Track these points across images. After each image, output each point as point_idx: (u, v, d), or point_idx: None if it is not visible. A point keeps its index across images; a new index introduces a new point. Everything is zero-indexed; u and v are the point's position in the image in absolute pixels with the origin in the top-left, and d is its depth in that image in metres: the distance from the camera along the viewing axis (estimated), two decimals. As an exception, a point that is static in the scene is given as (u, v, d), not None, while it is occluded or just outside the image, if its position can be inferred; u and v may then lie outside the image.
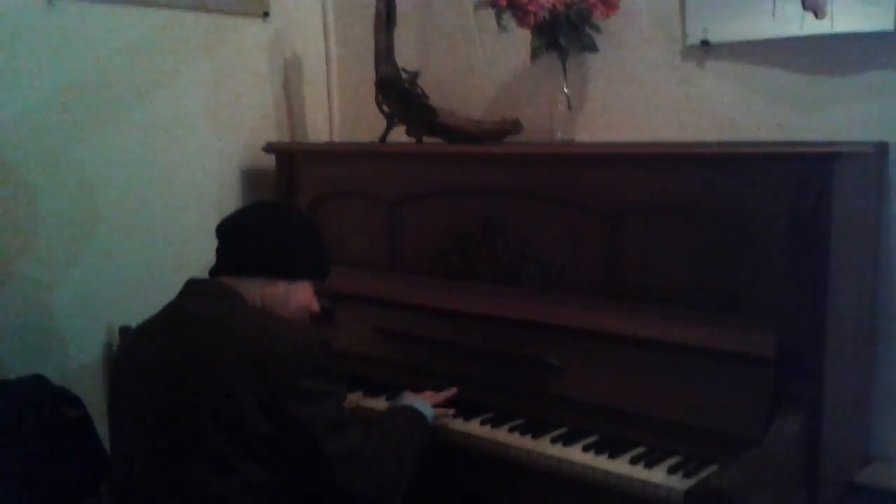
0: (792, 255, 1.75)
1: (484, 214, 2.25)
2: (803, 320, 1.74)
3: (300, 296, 1.77)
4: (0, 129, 2.21)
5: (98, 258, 2.44)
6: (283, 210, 1.84)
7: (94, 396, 2.38)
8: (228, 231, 1.76)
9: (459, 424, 2.00)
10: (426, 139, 2.52)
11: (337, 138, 3.10)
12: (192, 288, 1.71)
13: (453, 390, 2.03)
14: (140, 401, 1.58)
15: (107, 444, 2.28)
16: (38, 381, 2.12)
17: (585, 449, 1.82)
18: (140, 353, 1.65)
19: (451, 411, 1.99)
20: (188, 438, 1.49)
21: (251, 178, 2.85)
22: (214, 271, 1.74)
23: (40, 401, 2.01)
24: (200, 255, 2.71)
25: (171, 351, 1.56)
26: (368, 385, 2.21)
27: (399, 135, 2.57)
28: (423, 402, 1.92)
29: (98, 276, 2.45)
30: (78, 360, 2.41)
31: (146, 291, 2.55)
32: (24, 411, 1.94)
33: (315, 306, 1.83)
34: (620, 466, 1.74)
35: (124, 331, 2.43)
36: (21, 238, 2.27)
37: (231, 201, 2.80)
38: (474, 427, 1.98)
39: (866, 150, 1.91)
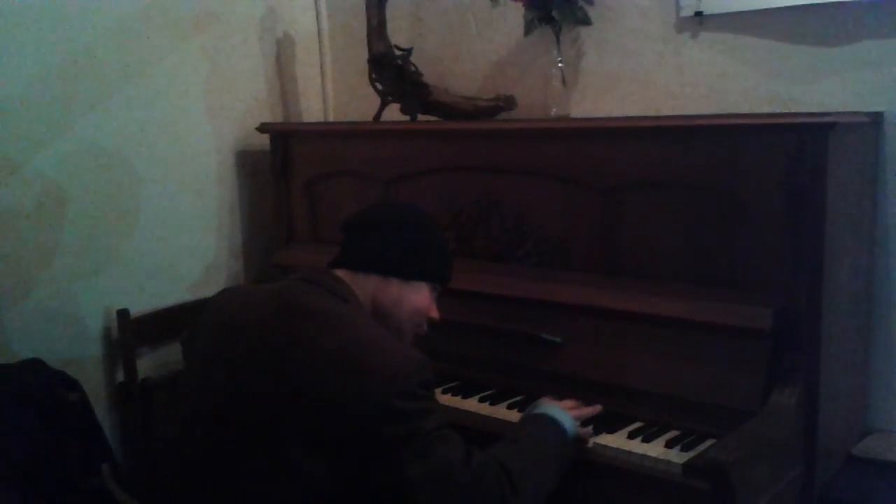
0: (787, 227, 1.74)
1: (479, 192, 2.25)
2: (799, 293, 1.73)
3: (415, 298, 1.67)
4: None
5: (93, 241, 2.44)
6: (408, 209, 1.74)
7: (92, 380, 2.40)
8: (350, 227, 1.70)
9: (458, 402, 2.01)
10: (420, 117, 2.50)
11: (331, 117, 3.09)
12: (308, 275, 1.62)
13: (598, 407, 1.86)
14: (224, 377, 1.49)
15: (105, 427, 2.30)
16: (36, 364, 2.12)
17: (584, 424, 1.83)
18: (239, 327, 1.53)
19: (590, 430, 1.79)
20: (267, 429, 1.41)
21: (245, 158, 2.84)
22: (333, 263, 1.66)
23: (38, 384, 2.01)
24: (196, 236, 2.73)
25: (272, 338, 1.47)
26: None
27: (393, 113, 2.55)
28: (562, 411, 1.73)
29: (94, 260, 2.44)
30: (76, 344, 2.41)
31: (143, 274, 2.57)
32: (22, 395, 1.95)
33: (434, 312, 1.73)
34: (618, 441, 1.75)
35: (122, 314, 2.44)
36: (14, 224, 2.26)
37: (226, 182, 2.80)
38: (473, 404, 1.99)
39: (861, 121, 1.90)
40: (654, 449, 1.70)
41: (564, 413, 1.73)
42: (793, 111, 2.06)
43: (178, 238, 2.66)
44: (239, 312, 1.58)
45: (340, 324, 1.48)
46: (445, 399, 2.02)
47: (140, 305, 2.52)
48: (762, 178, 1.77)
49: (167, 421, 2.24)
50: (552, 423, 1.69)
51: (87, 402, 2.13)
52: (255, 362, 1.46)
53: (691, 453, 1.66)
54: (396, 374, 1.39)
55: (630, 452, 1.71)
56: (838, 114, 1.74)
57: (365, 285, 1.63)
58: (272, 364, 1.44)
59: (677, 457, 1.66)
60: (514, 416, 1.91)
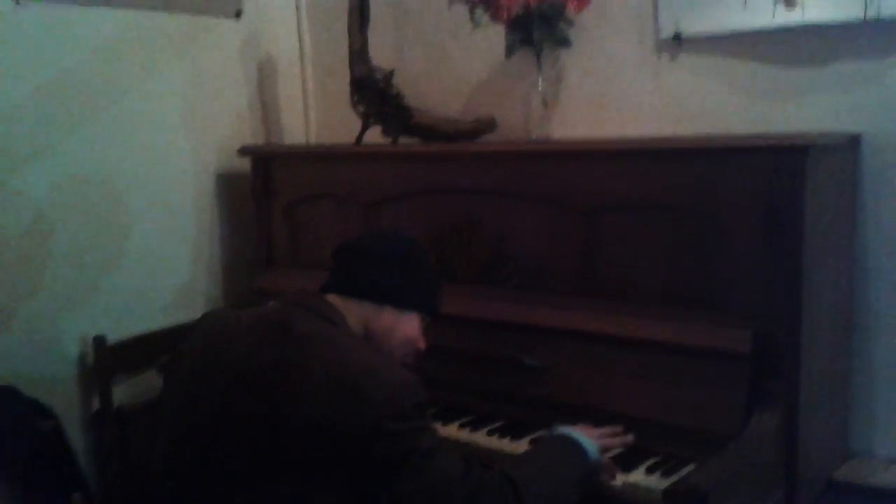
0: (766, 249, 1.74)
1: (460, 214, 2.24)
2: (779, 315, 1.73)
3: (406, 328, 1.67)
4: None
5: (69, 266, 2.41)
6: (403, 240, 1.73)
7: (67, 407, 2.36)
8: (344, 253, 1.69)
9: (437, 428, 1.98)
10: (402, 139, 2.50)
11: (313, 140, 3.08)
12: (297, 298, 1.61)
13: (629, 438, 1.79)
14: (210, 399, 1.47)
15: (79, 454, 2.26)
16: (10, 392, 2.09)
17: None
18: (225, 349, 1.52)
19: (611, 463, 1.71)
20: (256, 452, 1.39)
21: (226, 181, 2.83)
22: (324, 288, 1.65)
23: (12, 412, 1.98)
24: (175, 260, 2.70)
25: (260, 361, 1.45)
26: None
27: (375, 135, 2.55)
28: (582, 434, 1.68)
29: (70, 285, 2.41)
30: (52, 372, 2.37)
31: (122, 299, 2.54)
32: (-5, 424, 1.92)
33: (422, 343, 1.73)
34: (599, 467, 1.72)
35: (98, 340, 2.40)
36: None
37: (206, 205, 2.78)
38: (453, 431, 1.97)
39: (839, 142, 1.90)
40: (635, 476, 1.68)
41: (585, 437, 1.68)
42: (772, 132, 2.06)
43: (157, 262, 2.63)
44: (225, 337, 1.56)
45: (330, 346, 1.46)
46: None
47: (117, 331, 2.48)
48: (741, 199, 1.76)
49: (145, 448, 2.21)
50: (571, 442, 1.65)
51: (62, 429, 2.09)
52: (244, 387, 1.44)
53: (672, 478, 1.64)
54: (388, 397, 1.38)
55: (611, 479, 1.69)
56: (816, 135, 1.75)
57: (357, 312, 1.61)
58: (261, 388, 1.42)
59: (658, 482, 1.64)
60: (494, 442, 1.89)
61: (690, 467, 1.67)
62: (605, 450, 1.70)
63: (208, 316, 1.70)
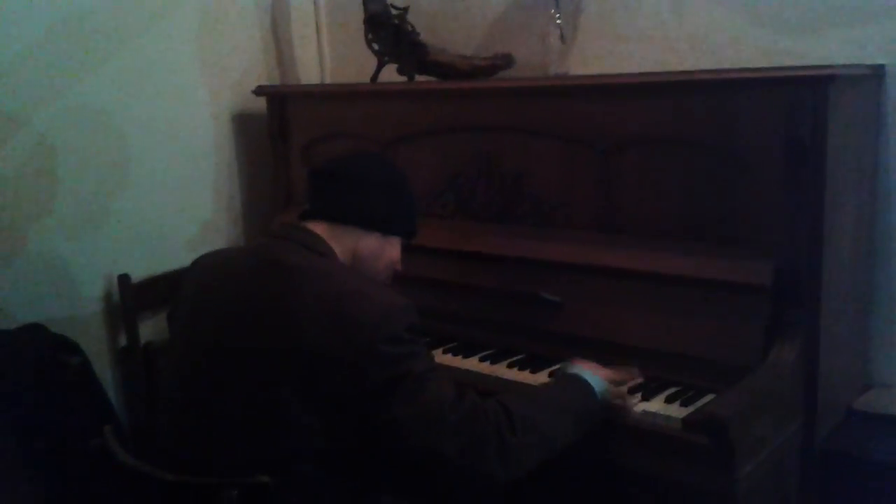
0: (788, 182, 1.73)
1: (478, 152, 2.23)
2: (800, 247, 1.73)
3: (392, 252, 1.71)
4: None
5: (91, 206, 2.43)
6: (383, 164, 1.74)
7: (94, 345, 2.40)
8: (326, 177, 1.68)
9: (459, 362, 2.01)
10: (418, 77, 2.48)
11: (328, 79, 3.06)
12: (283, 231, 1.63)
13: (637, 375, 1.80)
14: (208, 338, 1.49)
15: (108, 391, 2.32)
16: (36, 329, 2.13)
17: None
18: (217, 285, 1.55)
19: (624, 391, 1.73)
20: (256, 387, 1.41)
21: (242, 121, 2.82)
22: (306, 215, 1.66)
23: (39, 348, 2.01)
24: (195, 200, 2.72)
25: (249, 293, 1.48)
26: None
27: (391, 74, 2.53)
28: (592, 373, 1.68)
29: (93, 225, 2.44)
30: (77, 311, 2.41)
31: (143, 238, 2.57)
32: (23, 359, 1.95)
33: (400, 265, 1.76)
34: (618, 397, 1.75)
35: (123, 279, 2.44)
36: (9, 183, 2.25)
37: (224, 146, 2.79)
38: (473, 363, 1.99)
39: (863, 73, 1.88)
40: (654, 404, 1.70)
41: (595, 375, 1.68)
42: (794, 64, 2.04)
43: (176, 202, 2.65)
44: (218, 276, 1.58)
45: (321, 277, 1.48)
46: (445, 359, 2.03)
47: (140, 270, 2.52)
48: (762, 132, 1.75)
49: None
50: (577, 380, 1.66)
51: (89, 365, 2.13)
52: (239, 322, 1.46)
53: (690, 408, 1.67)
54: (382, 320, 1.40)
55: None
56: (839, 66, 1.72)
57: (344, 238, 1.63)
58: (256, 322, 1.44)
59: (677, 412, 1.66)
60: (514, 374, 1.91)
61: (710, 397, 1.69)
62: (613, 382, 1.70)
63: (200, 259, 1.70)
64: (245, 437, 1.42)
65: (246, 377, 1.42)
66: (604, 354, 1.89)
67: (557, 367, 1.89)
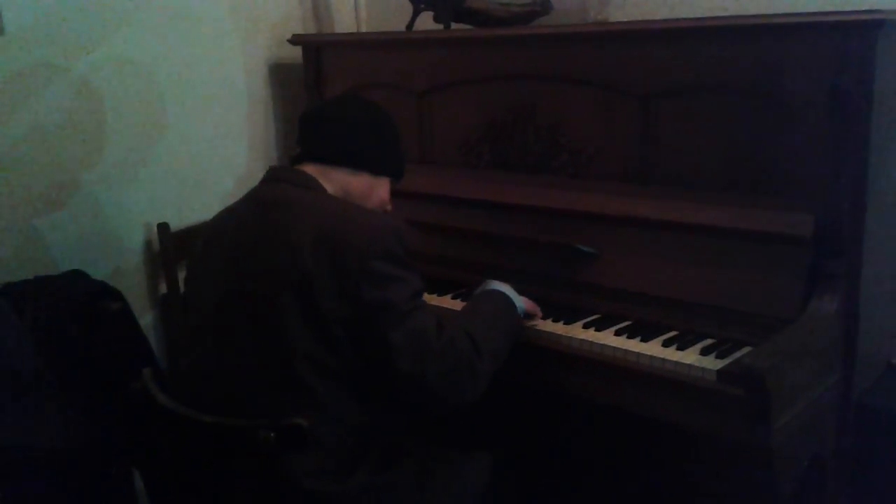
0: (831, 132, 1.69)
1: (514, 101, 2.21)
2: (842, 199, 1.69)
3: (381, 191, 1.77)
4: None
5: (130, 156, 2.45)
6: (372, 106, 1.78)
7: (134, 293, 2.44)
8: (316, 121, 1.74)
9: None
10: (454, 25, 2.45)
11: (364, 28, 3.03)
12: (274, 174, 1.70)
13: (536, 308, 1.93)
14: (219, 281, 1.59)
15: (149, 335, 2.36)
16: (78, 275, 2.17)
17: (618, 333, 1.82)
18: (223, 234, 1.65)
19: (539, 311, 1.92)
20: (265, 315, 1.50)
21: (278, 71, 2.82)
22: (297, 159, 1.72)
23: (81, 294, 2.05)
24: (230, 151, 2.73)
25: (251, 233, 1.57)
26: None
27: (426, 21, 2.50)
28: (511, 289, 1.86)
29: (133, 175, 2.46)
30: (118, 259, 2.45)
31: (180, 189, 2.59)
32: (64, 304, 1.99)
33: (390, 206, 1.82)
34: (652, 349, 1.74)
35: (163, 227, 2.47)
36: (52, 133, 2.27)
37: (259, 96, 2.79)
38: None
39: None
40: (689, 356, 1.69)
41: (514, 292, 1.85)
42: (840, 9, 1.97)
43: (213, 152, 2.67)
44: (220, 225, 1.69)
45: (312, 205, 1.57)
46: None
47: (179, 219, 2.55)
48: (806, 80, 1.71)
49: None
50: (505, 298, 1.82)
51: (130, 311, 2.17)
52: (241, 260, 1.56)
53: (727, 360, 1.65)
54: (373, 238, 1.50)
55: (664, 360, 1.70)
56: (888, 10, 1.66)
57: (334, 178, 1.69)
58: (256, 257, 1.54)
59: (712, 364, 1.65)
60: (549, 325, 1.91)
61: (746, 350, 1.67)
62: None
63: (208, 221, 1.78)
64: (261, 363, 1.50)
65: (255, 306, 1.51)
66: (638, 306, 1.89)
67: (591, 318, 1.90)
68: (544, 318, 1.94)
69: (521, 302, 1.85)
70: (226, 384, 1.54)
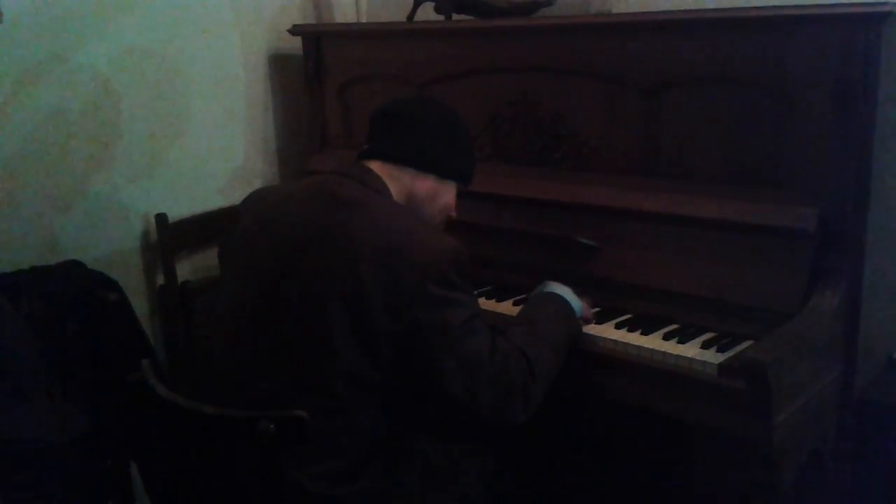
0: (836, 125, 1.68)
1: (516, 93, 2.19)
2: (846, 193, 1.68)
3: (447, 195, 1.71)
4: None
5: (130, 147, 2.43)
6: (444, 109, 1.73)
7: (131, 283, 2.43)
8: (387, 118, 1.68)
9: (493, 305, 2.01)
10: (455, 16, 2.43)
11: (364, 18, 3.02)
12: (340, 169, 1.64)
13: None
14: (266, 269, 1.52)
15: (146, 326, 2.35)
16: (76, 266, 2.16)
17: (618, 326, 1.82)
18: (276, 220, 1.57)
19: (592, 318, 1.84)
20: (310, 317, 1.45)
21: (278, 62, 2.80)
22: (364, 155, 1.66)
23: (79, 284, 2.04)
24: (229, 141, 2.72)
25: (309, 230, 1.50)
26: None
27: (428, 12, 2.48)
28: (570, 291, 1.78)
29: (131, 165, 2.45)
30: (115, 249, 2.44)
31: (178, 179, 2.57)
32: (62, 295, 1.98)
33: (454, 212, 1.77)
34: (653, 342, 1.73)
35: (160, 217, 2.45)
36: (64, 126, 2.26)
37: (259, 86, 2.77)
38: (508, 307, 1.99)
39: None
40: (690, 350, 1.69)
41: (572, 294, 1.77)
42: (845, 1, 1.96)
43: (212, 143, 2.65)
44: (275, 209, 1.61)
45: (375, 212, 1.51)
46: (480, 302, 2.01)
47: (176, 210, 2.53)
48: (811, 72, 1.69)
49: (208, 323, 2.29)
50: (565, 304, 1.74)
51: (128, 302, 2.16)
52: (295, 254, 1.50)
53: (728, 354, 1.65)
54: (432, 261, 1.44)
55: (665, 353, 1.69)
56: (894, 3, 1.65)
57: (400, 178, 1.64)
58: (311, 255, 1.47)
59: (713, 357, 1.64)
60: (548, 318, 1.89)
61: (747, 343, 1.67)
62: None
63: (255, 193, 1.72)
64: (295, 363, 1.46)
65: (301, 310, 1.46)
66: (639, 300, 1.88)
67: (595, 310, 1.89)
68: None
69: (580, 305, 1.78)
70: (252, 381, 1.49)
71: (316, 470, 1.44)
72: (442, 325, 1.44)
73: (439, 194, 1.69)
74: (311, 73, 2.66)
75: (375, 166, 1.63)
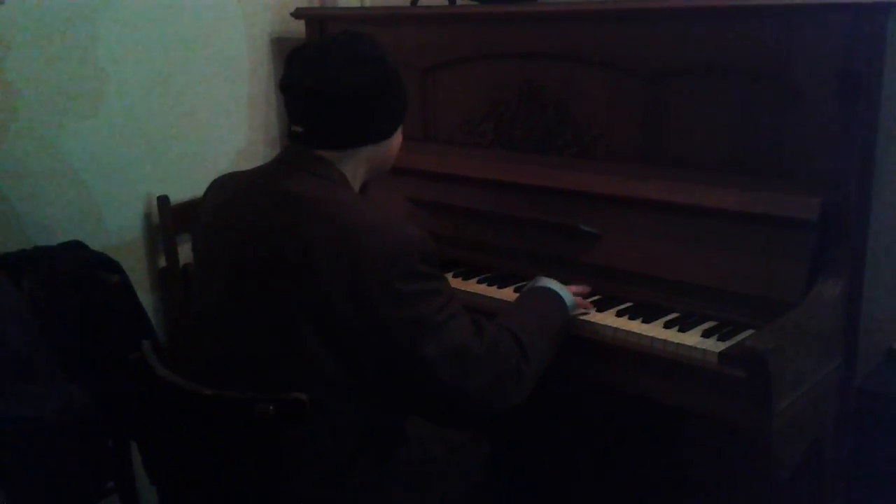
0: (840, 115, 1.67)
1: (519, 79, 2.19)
2: (849, 183, 1.67)
3: (397, 141, 1.64)
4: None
5: (131, 128, 2.43)
6: (369, 59, 1.53)
7: (133, 265, 2.43)
8: (311, 95, 1.49)
9: (493, 291, 2.01)
10: (459, 1, 2.42)
11: (368, 2, 3.01)
12: (290, 158, 1.55)
13: (586, 287, 1.89)
14: (227, 267, 1.49)
15: (147, 307, 2.35)
16: (77, 246, 2.15)
17: (619, 314, 1.82)
18: (234, 218, 1.52)
19: (590, 306, 1.85)
20: (279, 337, 1.41)
21: (281, 45, 2.79)
22: (308, 142, 1.53)
23: (79, 265, 2.04)
24: (231, 124, 2.71)
25: (266, 229, 1.45)
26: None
27: (432, -3, 2.48)
28: (561, 286, 1.78)
29: (133, 147, 2.44)
30: (117, 230, 2.44)
31: (181, 162, 2.57)
32: (64, 275, 1.98)
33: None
34: (654, 330, 1.73)
35: (162, 200, 2.45)
36: (54, 106, 2.25)
37: (261, 69, 2.76)
38: (508, 294, 1.98)
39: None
40: (691, 338, 1.69)
41: (564, 288, 1.78)
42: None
43: (214, 125, 2.65)
44: (232, 205, 1.55)
45: (332, 208, 1.45)
46: (480, 288, 2.02)
47: (179, 192, 2.53)
48: (815, 63, 1.69)
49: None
50: (555, 296, 1.75)
51: (129, 283, 2.16)
52: (255, 254, 1.45)
53: (729, 342, 1.65)
54: (395, 257, 1.39)
55: (665, 341, 1.69)
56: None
57: (355, 157, 1.56)
58: (270, 256, 1.43)
59: (714, 346, 1.64)
60: (549, 304, 1.89)
61: (748, 332, 1.67)
62: (576, 294, 1.82)
63: (214, 183, 1.67)
64: (268, 375, 1.43)
65: (265, 307, 1.43)
66: (640, 288, 1.88)
67: (596, 297, 1.89)
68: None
69: (573, 300, 1.78)
70: (219, 364, 1.48)
71: (304, 471, 1.43)
72: (418, 318, 1.40)
73: (393, 147, 1.64)
74: (315, 56, 2.64)
75: (326, 153, 1.53)
